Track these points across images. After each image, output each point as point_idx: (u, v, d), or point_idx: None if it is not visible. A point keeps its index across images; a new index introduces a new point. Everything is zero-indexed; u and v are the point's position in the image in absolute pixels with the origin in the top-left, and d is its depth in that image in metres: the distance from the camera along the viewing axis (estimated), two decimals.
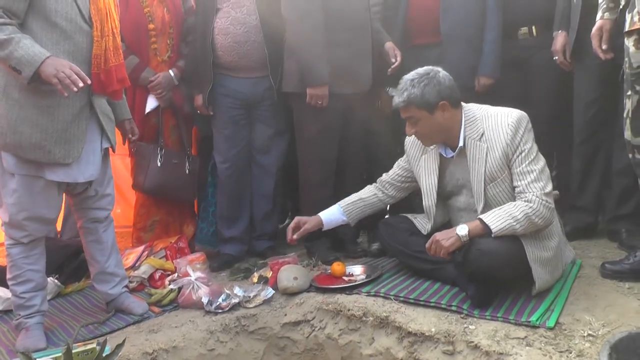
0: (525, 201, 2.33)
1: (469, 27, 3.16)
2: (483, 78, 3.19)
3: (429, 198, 2.68)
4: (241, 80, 3.26)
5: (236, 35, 3.19)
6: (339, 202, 2.88)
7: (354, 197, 2.89)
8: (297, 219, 2.86)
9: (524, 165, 2.37)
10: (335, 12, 3.02)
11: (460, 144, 2.49)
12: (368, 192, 2.90)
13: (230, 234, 3.44)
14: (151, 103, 3.38)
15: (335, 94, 3.03)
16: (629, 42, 2.39)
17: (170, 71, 3.38)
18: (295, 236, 2.83)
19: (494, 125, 2.43)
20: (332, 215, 2.86)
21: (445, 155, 2.59)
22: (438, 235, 2.42)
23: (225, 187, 3.41)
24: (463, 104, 2.52)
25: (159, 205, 3.53)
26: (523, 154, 2.37)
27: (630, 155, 2.49)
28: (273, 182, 3.44)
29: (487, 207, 2.47)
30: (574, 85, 3.06)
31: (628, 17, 2.36)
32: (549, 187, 2.37)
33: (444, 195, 2.70)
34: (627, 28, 2.38)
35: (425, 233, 2.72)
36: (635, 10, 2.28)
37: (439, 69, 2.48)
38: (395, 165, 2.87)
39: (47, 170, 2.39)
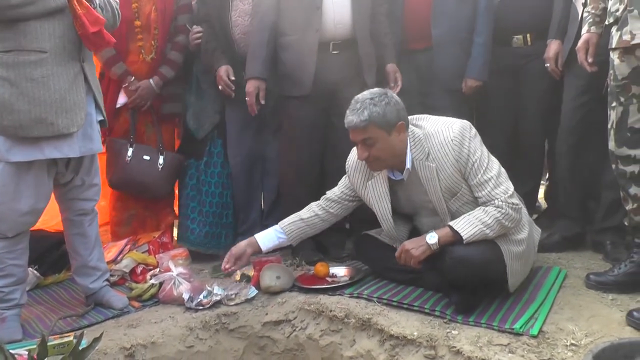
0: (494, 206, 2.32)
1: (460, 31, 3.19)
2: (470, 80, 3.21)
3: (385, 223, 2.62)
4: None
5: (243, 27, 3.23)
6: (279, 223, 2.79)
7: (294, 216, 2.77)
8: (230, 252, 2.74)
9: (479, 175, 2.35)
10: (286, 15, 3.06)
11: (408, 165, 2.45)
12: (309, 213, 2.76)
13: (242, 228, 3.48)
14: (122, 99, 3.31)
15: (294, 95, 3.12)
16: (614, 55, 2.41)
17: (151, 80, 3.30)
18: (234, 267, 2.75)
19: (438, 143, 2.39)
20: (267, 235, 2.76)
21: (393, 178, 2.55)
22: (408, 245, 2.41)
23: (237, 180, 3.45)
24: None
25: (136, 198, 3.47)
26: (475, 165, 2.35)
27: (613, 166, 2.50)
28: (277, 175, 3.44)
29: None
30: (563, 92, 3.07)
31: (616, 34, 2.37)
32: (511, 188, 2.36)
33: (403, 215, 2.68)
34: (614, 45, 2.39)
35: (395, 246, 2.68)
36: (627, 28, 2.28)
37: (390, 91, 2.46)
38: (341, 184, 2.77)
39: (47, 149, 2.34)
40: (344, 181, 2.75)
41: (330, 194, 2.78)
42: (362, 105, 2.35)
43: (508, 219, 2.31)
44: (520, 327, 2.17)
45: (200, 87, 3.44)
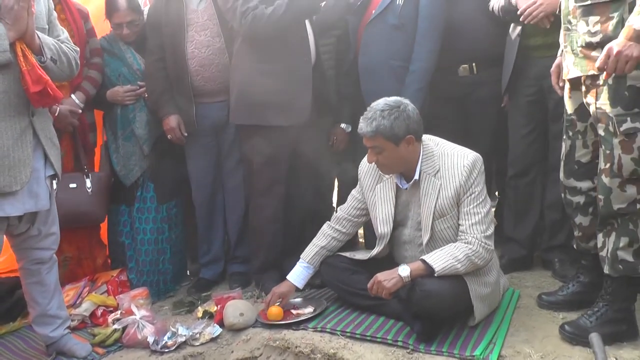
0: (465, 243, 2.44)
1: (393, 59, 3.14)
2: None
3: (385, 226, 2.70)
4: (207, 105, 3.24)
5: (201, 59, 3.21)
6: (302, 257, 2.90)
7: (315, 247, 2.89)
8: (273, 291, 2.84)
9: (471, 206, 2.47)
10: (272, 42, 3.00)
11: (416, 177, 2.56)
12: (327, 238, 2.89)
13: (205, 259, 3.49)
14: None
15: (271, 126, 3.03)
16: (565, 90, 2.49)
17: (73, 96, 3.17)
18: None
19: (450, 164, 2.51)
20: (300, 274, 2.88)
21: (400, 186, 2.65)
22: (380, 276, 2.48)
23: (199, 213, 3.44)
24: (423, 137, 2.57)
25: (69, 241, 3.29)
26: (473, 196, 2.47)
27: (562, 195, 2.62)
28: (243, 205, 3.41)
29: (432, 241, 2.57)
30: (508, 121, 3.20)
31: (564, 65, 2.46)
32: (490, 231, 2.48)
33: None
34: (562, 77, 2.48)
35: (368, 257, 2.78)
36: (565, 63, 2.40)
37: (407, 101, 2.52)
38: (349, 199, 2.88)
39: None
40: (352, 195, 2.87)
41: (340, 212, 2.92)
42: (373, 115, 2.45)
43: (478, 257, 2.42)
44: (481, 354, 2.26)
45: (129, 130, 3.35)
